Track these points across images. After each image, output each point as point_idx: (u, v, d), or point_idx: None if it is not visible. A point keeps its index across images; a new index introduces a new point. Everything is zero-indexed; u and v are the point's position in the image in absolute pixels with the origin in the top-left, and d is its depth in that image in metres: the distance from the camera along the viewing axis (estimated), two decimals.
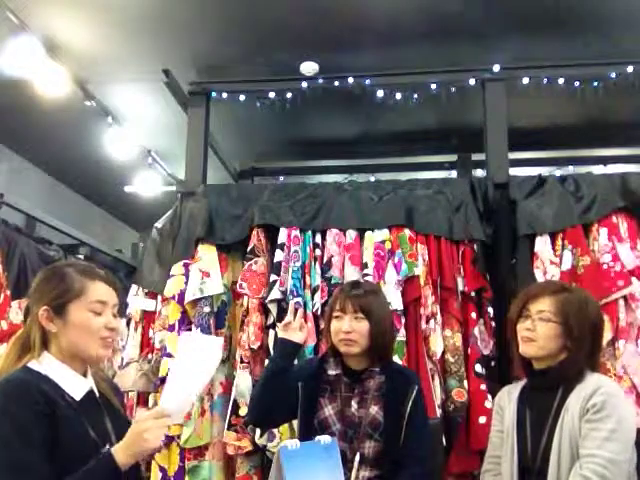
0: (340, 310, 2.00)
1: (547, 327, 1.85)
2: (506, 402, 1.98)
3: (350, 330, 1.96)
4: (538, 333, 1.85)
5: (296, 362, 2.14)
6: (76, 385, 1.48)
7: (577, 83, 3.48)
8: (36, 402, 1.36)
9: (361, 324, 1.97)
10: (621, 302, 2.72)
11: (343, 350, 1.99)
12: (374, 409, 1.94)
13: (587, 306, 1.89)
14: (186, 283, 2.96)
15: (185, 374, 1.46)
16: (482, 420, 2.67)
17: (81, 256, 4.62)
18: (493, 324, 2.84)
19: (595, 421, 1.71)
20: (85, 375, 1.54)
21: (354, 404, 1.96)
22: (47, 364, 1.47)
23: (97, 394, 1.54)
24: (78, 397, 1.47)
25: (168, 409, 1.42)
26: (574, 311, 1.85)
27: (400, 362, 2.62)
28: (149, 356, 3.07)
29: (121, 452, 1.36)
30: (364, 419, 1.93)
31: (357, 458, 1.89)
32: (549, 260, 2.82)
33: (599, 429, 1.70)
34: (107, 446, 1.42)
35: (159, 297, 3.12)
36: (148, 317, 3.20)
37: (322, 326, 2.78)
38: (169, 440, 2.77)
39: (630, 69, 3.37)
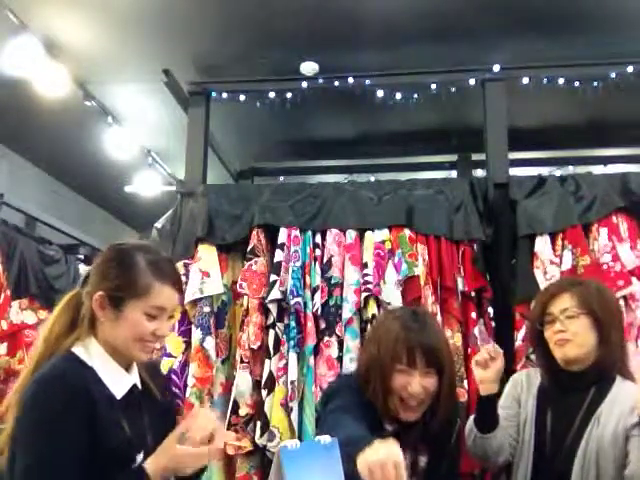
0: (407, 364, 1.65)
1: (577, 323, 1.78)
2: (524, 389, 1.90)
3: (420, 391, 1.64)
4: (572, 332, 1.77)
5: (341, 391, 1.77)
6: (119, 383, 1.40)
7: (577, 83, 3.47)
8: (79, 404, 1.29)
9: (431, 381, 1.66)
10: (621, 302, 2.72)
11: (403, 415, 1.67)
12: (422, 460, 1.73)
13: (605, 292, 1.85)
14: (186, 283, 2.95)
15: None
16: None
17: (81, 256, 4.63)
18: (493, 324, 2.83)
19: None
20: (128, 369, 1.45)
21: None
22: (94, 353, 1.38)
23: (139, 387, 1.46)
24: (119, 395, 1.39)
25: None
26: (596, 299, 1.79)
27: None
28: None
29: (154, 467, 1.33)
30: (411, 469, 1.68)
31: None
32: (549, 260, 2.82)
33: None
34: (142, 449, 1.38)
35: None
36: None
37: (322, 326, 2.78)
38: None
39: (630, 69, 3.37)
